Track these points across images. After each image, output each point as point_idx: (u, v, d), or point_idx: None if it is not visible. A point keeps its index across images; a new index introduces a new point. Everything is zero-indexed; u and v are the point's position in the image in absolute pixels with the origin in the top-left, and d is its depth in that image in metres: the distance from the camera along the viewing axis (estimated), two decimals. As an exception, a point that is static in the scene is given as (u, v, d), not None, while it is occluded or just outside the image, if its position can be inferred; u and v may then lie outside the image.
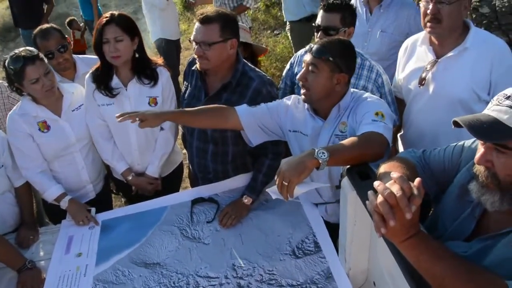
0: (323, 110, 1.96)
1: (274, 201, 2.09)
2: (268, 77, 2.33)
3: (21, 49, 2.33)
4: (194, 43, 2.18)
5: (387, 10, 3.00)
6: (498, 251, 1.22)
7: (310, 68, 1.87)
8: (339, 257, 1.96)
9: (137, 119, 1.97)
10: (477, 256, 1.25)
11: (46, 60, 2.37)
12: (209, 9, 2.16)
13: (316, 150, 1.55)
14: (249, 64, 2.35)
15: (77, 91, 2.56)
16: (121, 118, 1.97)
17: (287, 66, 2.80)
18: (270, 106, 2.08)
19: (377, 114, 1.77)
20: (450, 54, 2.18)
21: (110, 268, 2.15)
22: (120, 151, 2.62)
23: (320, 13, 2.43)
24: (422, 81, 2.29)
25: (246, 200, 2.30)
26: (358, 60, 2.45)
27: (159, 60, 2.56)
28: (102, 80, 2.43)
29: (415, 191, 1.12)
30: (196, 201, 2.45)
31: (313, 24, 2.48)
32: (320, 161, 1.54)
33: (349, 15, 2.39)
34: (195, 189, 2.60)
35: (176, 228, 2.32)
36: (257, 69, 2.35)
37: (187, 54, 6.05)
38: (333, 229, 2.10)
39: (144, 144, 2.59)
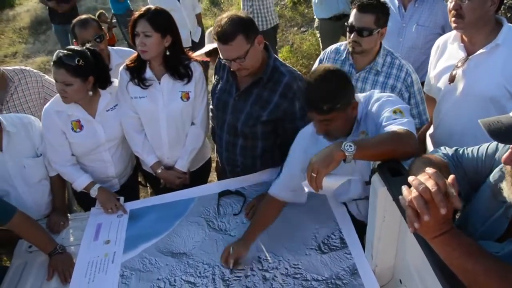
0: (345, 134, 1.92)
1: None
2: (298, 73, 2.34)
3: (77, 49, 2.36)
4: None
5: (421, 5, 2.99)
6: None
7: (325, 123, 1.81)
8: (366, 254, 1.96)
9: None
10: (510, 257, 1.23)
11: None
12: (222, 22, 2.08)
13: (344, 143, 1.57)
14: (280, 60, 2.35)
15: (114, 91, 2.57)
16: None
17: (317, 62, 2.79)
18: (290, 164, 2.08)
19: (395, 112, 1.76)
20: (481, 51, 2.15)
21: (137, 256, 2.20)
22: (150, 144, 2.65)
23: (354, 13, 2.38)
24: (452, 79, 2.27)
25: None
26: (388, 59, 2.45)
27: (193, 54, 2.57)
28: (136, 70, 2.46)
29: (450, 188, 1.12)
30: (223, 194, 2.48)
31: (346, 24, 2.45)
32: (347, 154, 1.56)
33: (383, 16, 2.35)
34: (223, 182, 2.62)
35: (203, 219, 2.35)
36: (288, 65, 2.35)
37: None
38: (360, 227, 2.11)
39: (175, 138, 2.62)
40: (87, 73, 2.33)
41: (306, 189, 1.67)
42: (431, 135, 2.59)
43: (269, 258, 2.07)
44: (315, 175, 1.58)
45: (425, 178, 1.14)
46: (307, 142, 2.01)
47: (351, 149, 1.56)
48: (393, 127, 1.67)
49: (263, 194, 2.34)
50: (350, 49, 2.45)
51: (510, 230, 1.31)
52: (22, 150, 2.42)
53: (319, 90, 1.76)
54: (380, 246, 1.80)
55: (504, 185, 1.25)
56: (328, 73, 1.80)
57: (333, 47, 2.68)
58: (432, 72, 2.47)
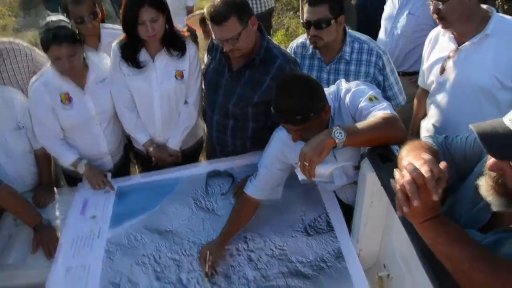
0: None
1: (289, 179, 2.11)
2: (292, 56, 2.32)
3: (56, 19, 2.30)
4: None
5: None
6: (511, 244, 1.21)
7: (299, 132, 1.77)
8: (351, 238, 1.97)
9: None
10: (491, 247, 1.24)
11: (76, 40, 2.30)
12: (215, 2, 2.05)
13: (334, 130, 1.58)
14: (274, 42, 2.33)
15: (103, 63, 2.53)
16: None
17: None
18: (267, 165, 2.04)
19: (371, 99, 1.76)
20: (470, 41, 2.16)
21: (123, 232, 2.19)
22: (143, 122, 2.62)
23: (306, 8, 2.31)
24: (443, 70, 2.28)
25: None
26: (356, 45, 2.42)
27: (186, 33, 2.53)
28: (130, 53, 2.40)
29: (442, 174, 1.12)
30: (212, 174, 2.47)
31: (301, 21, 2.40)
32: (337, 141, 1.57)
33: (336, 3, 2.29)
34: (212, 162, 2.61)
35: (190, 198, 2.35)
36: (281, 47, 2.33)
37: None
38: (347, 211, 2.12)
39: (168, 117, 2.59)
40: (80, 38, 2.30)
41: (300, 177, 1.69)
42: (423, 126, 2.60)
43: (255, 239, 2.08)
44: (307, 164, 1.59)
45: (420, 164, 1.14)
46: (281, 144, 2.00)
47: (341, 136, 1.57)
48: (378, 113, 1.67)
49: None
50: (312, 45, 2.42)
51: (492, 222, 1.32)
52: (3, 122, 2.36)
53: (289, 103, 1.72)
54: (366, 231, 1.81)
55: (482, 182, 1.24)
56: (295, 83, 1.78)
57: (298, 40, 2.63)
58: (425, 65, 2.47)
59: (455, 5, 2.08)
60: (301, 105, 1.70)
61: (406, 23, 2.97)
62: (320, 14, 2.27)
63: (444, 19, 2.14)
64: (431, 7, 2.15)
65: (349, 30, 2.46)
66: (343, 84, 1.94)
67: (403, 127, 1.68)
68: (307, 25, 2.33)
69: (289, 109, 1.71)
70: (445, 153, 1.53)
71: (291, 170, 2.05)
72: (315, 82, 1.82)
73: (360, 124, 1.66)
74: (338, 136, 1.57)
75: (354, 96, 1.83)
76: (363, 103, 1.76)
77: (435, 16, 2.17)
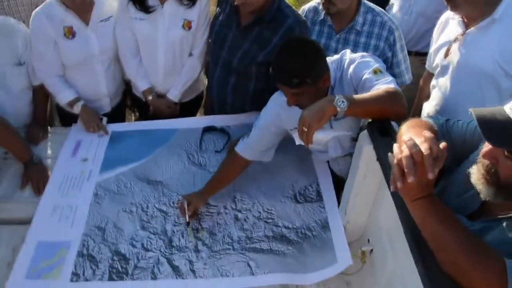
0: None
1: (284, 143, 2.09)
2: (303, 18, 2.26)
3: None
4: None
5: None
6: (497, 233, 1.21)
7: (295, 96, 1.74)
8: (340, 209, 1.97)
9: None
10: (478, 234, 1.24)
11: None
12: None
13: (336, 98, 1.55)
14: (286, 2, 2.27)
15: (109, 1, 2.46)
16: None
17: None
18: (262, 126, 2.00)
19: (375, 72, 1.72)
20: (477, 26, 2.10)
21: (113, 178, 2.19)
22: (145, 69, 2.57)
23: None
24: (447, 53, 2.23)
25: None
26: (369, 17, 2.36)
27: None
28: None
29: (440, 153, 1.11)
30: (207, 129, 2.45)
31: None
32: (338, 109, 1.55)
33: None
34: (209, 117, 2.59)
35: (183, 151, 2.34)
36: (294, 8, 2.27)
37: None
38: (338, 183, 2.11)
39: (171, 67, 2.54)
40: None
41: (297, 142, 1.67)
42: (426, 108, 2.57)
43: (244, 199, 2.08)
44: (306, 129, 1.57)
45: (421, 141, 1.13)
46: (278, 108, 1.96)
47: (343, 104, 1.54)
48: (382, 87, 1.64)
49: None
50: (325, 11, 2.36)
51: (481, 210, 1.31)
52: (3, 56, 2.30)
53: (288, 64, 1.69)
54: (356, 204, 1.81)
55: (474, 170, 1.23)
56: (298, 45, 1.74)
57: (311, 4, 2.56)
58: (432, 47, 2.42)
59: None
60: (300, 68, 1.67)
61: (428, 2, 2.88)
62: None
63: (451, 1, 2.07)
64: None
65: (364, 0, 2.39)
66: (348, 54, 1.89)
67: (405, 103, 1.65)
68: None
69: (287, 70, 1.68)
70: (444, 135, 1.52)
71: (285, 135, 2.03)
72: (319, 48, 1.77)
73: (363, 95, 1.64)
74: (340, 104, 1.54)
75: (358, 67, 1.79)
76: (367, 75, 1.72)
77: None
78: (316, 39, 2.45)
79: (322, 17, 2.45)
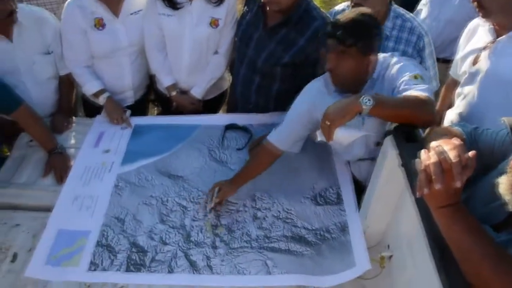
0: (354, 87, 1.85)
1: (307, 145, 2.08)
2: (331, 20, 2.25)
3: None
4: None
5: None
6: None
7: (337, 55, 1.74)
8: (360, 213, 1.95)
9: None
10: (503, 246, 1.22)
11: None
12: None
13: (363, 96, 1.54)
14: (314, 4, 2.26)
15: None
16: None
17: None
18: (295, 115, 1.99)
19: (415, 77, 1.69)
20: (508, 34, 2.05)
21: (134, 170, 2.21)
22: (170, 64, 2.58)
23: None
24: (475, 61, 2.19)
25: None
26: (398, 22, 2.33)
27: None
28: None
29: (469, 162, 1.09)
30: (230, 127, 2.46)
31: None
32: (364, 107, 1.53)
33: None
34: (231, 115, 2.60)
35: (205, 147, 2.34)
36: (321, 10, 2.26)
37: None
38: (357, 187, 2.10)
39: (196, 64, 2.55)
40: None
41: (319, 138, 1.66)
42: (448, 116, 2.53)
43: (263, 198, 2.07)
44: (329, 124, 1.56)
45: (449, 148, 1.11)
46: (313, 97, 1.95)
47: (369, 102, 1.53)
48: (414, 92, 1.62)
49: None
50: None
51: (507, 221, 1.29)
52: (32, 45, 2.36)
53: (348, 20, 1.70)
54: (377, 209, 1.79)
55: (502, 180, 1.20)
56: (364, 13, 1.75)
57: (341, 7, 2.54)
58: (459, 54, 2.38)
59: None
60: (358, 29, 1.70)
61: (459, 9, 2.84)
62: None
63: (483, 8, 2.02)
64: None
65: (394, 5, 2.37)
66: (396, 55, 1.89)
67: (434, 112, 1.63)
68: None
69: (347, 26, 1.70)
70: (472, 143, 1.49)
71: (315, 129, 2.01)
72: (379, 28, 1.80)
73: (391, 97, 1.63)
74: (366, 102, 1.53)
75: (401, 68, 1.78)
76: (406, 78, 1.70)
77: (474, 4, 2.04)
78: None
79: None
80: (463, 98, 2.33)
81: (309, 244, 1.89)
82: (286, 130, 2.00)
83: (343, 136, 1.62)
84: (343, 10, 2.48)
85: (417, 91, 1.61)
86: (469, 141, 1.50)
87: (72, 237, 1.90)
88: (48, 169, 2.21)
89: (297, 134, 2.01)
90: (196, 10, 2.38)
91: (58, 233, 1.91)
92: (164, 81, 2.63)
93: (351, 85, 1.81)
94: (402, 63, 1.80)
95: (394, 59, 1.84)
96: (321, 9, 2.28)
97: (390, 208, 1.77)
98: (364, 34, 1.71)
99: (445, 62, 2.95)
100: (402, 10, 2.38)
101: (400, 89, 1.68)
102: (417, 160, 1.16)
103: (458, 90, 2.37)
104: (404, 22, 2.33)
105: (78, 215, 1.99)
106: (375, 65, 1.81)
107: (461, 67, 2.33)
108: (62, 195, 2.07)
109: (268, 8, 2.21)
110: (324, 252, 1.85)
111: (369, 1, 2.20)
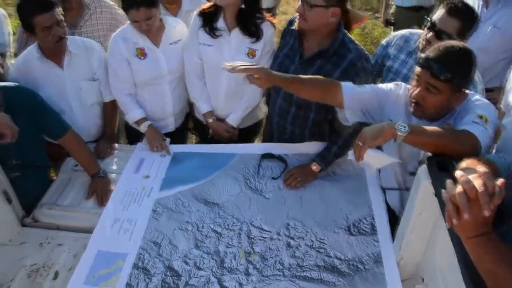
0: (434, 116, 1.81)
1: (340, 175, 2.11)
2: (366, 52, 2.29)
3: None
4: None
5: (505, 6, 2.80)
6: None
7: (427, 88, 1.69)
8: (394, 245, 1.94)
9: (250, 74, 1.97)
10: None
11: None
12: None
13: (398, 123, 1.56)
14: (349, 35, 2.31)
15: (179, 26, 2.66)
16: (231, 66, 1.98)
17: (383, 44, 2.69)
18: (379, 92, 1.96)
19: (480, 117, 1.66)
20: None
21: (172, 196, 2.27)
22: (208, 92, 2.69)
23: (441, 13, 2.23)
24: None
25: (315, 167, 2.31)
26: None
27: (267, 15, 2.55)
28: (210, 18, 2.49)
29: (497, 190, 1.08)
30: (265, 156, 2.50)
31: (426, 17, 2.31)
32: (398, 133, 1.55)
33: (468, 24, 2.19)
34: (268, 144, 2.64)
35: (241, 176, 2.39)
36: (356, 42, 2.30)
37: (283, 18, 6.01)
38: (393, 217, 2.09)
39: (233, 92, 2.64)
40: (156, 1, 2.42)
41: (350, 157, 1.68)
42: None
43: (297, 227, 2.08)
44: (361, 144, 1.59)
45: (474, 176, 1.11)
46: (395, 93, 1.93)
47: (404, 129, 1.55)
48: (465, 127, 1.61)
49: (305, 164, 2.36)
50: (421, 47, 2.33)
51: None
52: (80, 72, 2.54)
53: (449, 55, 1.65)
54: (411, 240, 1.77)
55: None
56: (467, 49, 1.70)
57: (402, 33, 2.57)
58: (509, 85, 2.34)
59: None
60: (455, 66, 1.64)
61: (490, 38, 2.83)
62: (448, 27, 2.19)
63: None
64: None
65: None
66: (478, 95, 1.85)
67: (475, 147, 1.57)
68: (431, 27, 2.24)
69: (443, 60, 1.65)
70: (509, 176, 1.47)
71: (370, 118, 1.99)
72: (476, 65, 1.71)
73: (429, 127, 1.62)
74: (401, 128, 1.55)
75: (477, 105, 1.74)
76: (471, 115, 1.68)
77: None
78: (398, 68, 2.48)
79: (413, 48, 2.45)
80: (504, 129, 2.29)
81: (342, 274, 1.88)
82: (362, 92, 1.96)
83: (374, 158, 1.63)
84: (406, 37, 2.51)
85: (469, 127, 1.60)
86: (506, 173, 1.47)
87: (110, 258, 1.96)
88: (91, 192, 2.31)
89: (366, 104, 1.95)
90: (235, 40, 2.50)
91: (98, 254, 1.97)
92: (201, 108, 2.72)
93: (432, 115, 1.79)
94: (478, 102, 1.76)
95: (474, 98, 1.79)
96: (357, 42, 2.32)
97: (425, 239, 1.75)
98: (462, 73, 1.67)
99: None
100: None
101: (462, 122, 1.67)
102: (443, 190, 1.16)
103: (504, 120, 2.33)
104: None
105: (117, 237, 2.05)
106: (462, 101, 1.76)
107: (509, 95, 2.28)
108: (102, 217, 2.15)
109: (305, 40, 2.27)
110: (357, 284, 1.83)
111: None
